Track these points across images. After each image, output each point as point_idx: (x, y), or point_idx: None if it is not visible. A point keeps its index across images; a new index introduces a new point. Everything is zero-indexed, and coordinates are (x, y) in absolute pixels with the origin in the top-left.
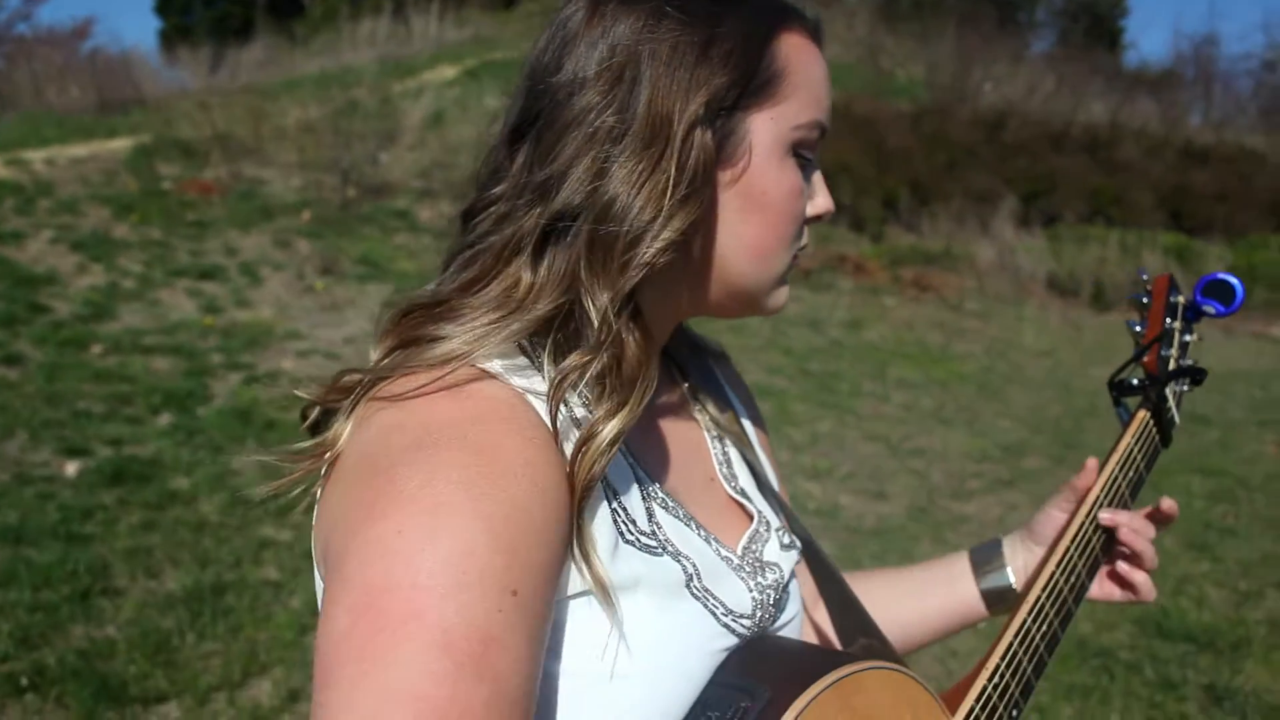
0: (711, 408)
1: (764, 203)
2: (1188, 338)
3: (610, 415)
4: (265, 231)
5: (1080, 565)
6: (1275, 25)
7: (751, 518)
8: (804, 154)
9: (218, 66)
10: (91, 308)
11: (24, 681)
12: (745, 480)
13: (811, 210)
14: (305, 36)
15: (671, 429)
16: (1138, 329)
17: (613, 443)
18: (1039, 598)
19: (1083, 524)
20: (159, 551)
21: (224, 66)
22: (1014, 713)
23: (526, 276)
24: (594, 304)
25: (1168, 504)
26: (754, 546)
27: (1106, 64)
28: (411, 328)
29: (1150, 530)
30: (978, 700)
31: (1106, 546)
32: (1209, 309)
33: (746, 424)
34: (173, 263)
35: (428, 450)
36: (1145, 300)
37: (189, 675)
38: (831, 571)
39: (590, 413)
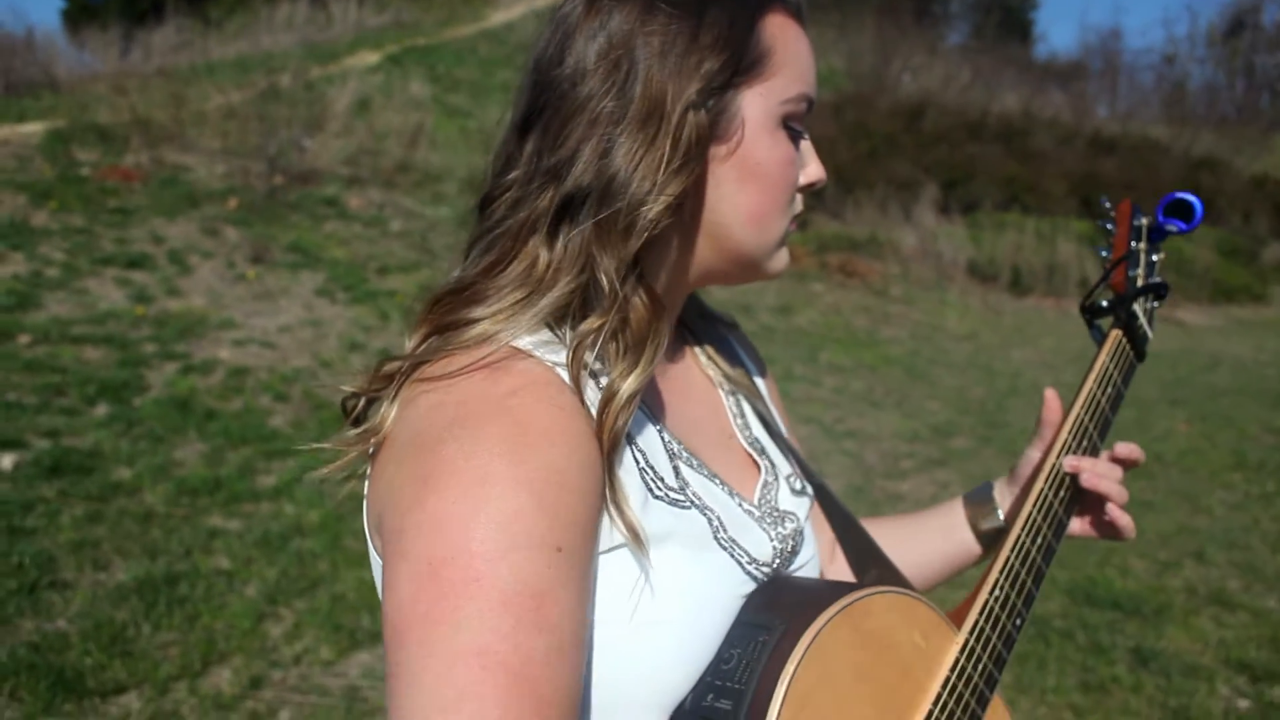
0: (724, 366)
1: (759, 173)
2: (1155, 257)
3: (625, 374)
4: (192, 219)
5: (1063, 491)
6: (1175, 20)
7: (760, 468)
8: (793, 125)
9: (128, 49)
10: (15, 297)
11: None
12: (758, 431)
13: (804, 179)
14: (220, 19)
15: (689, 391)
16: (1104, 254)
17: (630, 399)
18: (1031, 514)
19: (1061, 449)
20: (106, 543)
21: (135, 49)
22: (1017, 621)
23: (544, 255)
24: (602, 271)
25: (1122, 449)
26: (768, 495)
27: (1018, 56)
28: (444, 314)
29: (1114, 472)
30: (981, 612)
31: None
32: (1172, 228)
33: (758, 379)
34: (97, 251)
35: (470, 426)
36: (1110, 227)
37: (147, 665)
38: (843, 512)
39: (609, 375)
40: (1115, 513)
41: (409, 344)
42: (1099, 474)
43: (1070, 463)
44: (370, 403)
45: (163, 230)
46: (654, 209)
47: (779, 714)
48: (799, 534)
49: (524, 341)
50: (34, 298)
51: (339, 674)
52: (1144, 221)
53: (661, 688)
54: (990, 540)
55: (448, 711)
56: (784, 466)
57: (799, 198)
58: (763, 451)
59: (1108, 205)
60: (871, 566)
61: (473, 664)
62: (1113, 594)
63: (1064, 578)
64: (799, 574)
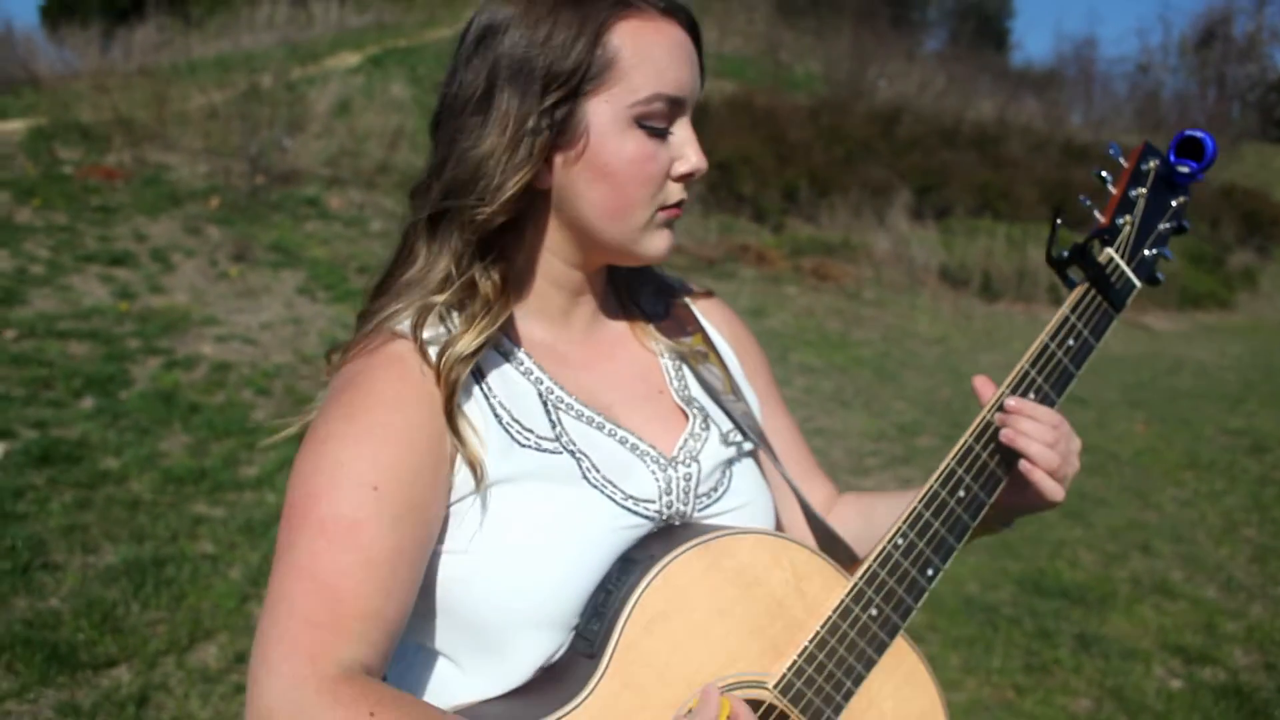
0: (666, 337)
1: (607, 172)
2: (1175, 201)
3: (460, 337)
4: (174, 218)
5: (993, 444)
6: (1148, 31)
7: (688, 419)
8: (649, 124)
9: (109, 47)
10: (1, 293)
11: None
12: (696, 392)
13: (682, 168)
14: (200, 18)
15: (621, 357)
16: (1087, 202)
17: (463, 357)
18: (949, 466)
19: (995, 401)
20: (95, 528)
21: (115, 47)
22: (928, 571)
23: (423, 244)
24: (451, 255)
25: (1046, 415)
26: (691, 443)
27: (994, 63)
28: (364, 308)
29: (1044, 433)
30: (876, 559)
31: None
32: (1184, 168)
33: (726, 350)
34: (81, 248)
35: (333, 397)
36: (1108, 176)
37: (137, 641)
38: (778, 471)
39: (453, 335)
40: (1029, 470)
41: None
42: (1019, 429)
43: (981, 384)
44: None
45: (145, 228)
46: (498, 200)
47: (620, 635)
48: (703, 478)
49: (402, 326)
50: (19, 293)
51: None
52: (1151, 165)
53: (541, 606)
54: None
55: (273, 608)
56: (723, 423)
57: (672, 186)
58: (699, 408)
59: (1116, 152)
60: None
61: (292, 575)
62: (1061, 584)
63: (1015, 568)
64: (723, 519)
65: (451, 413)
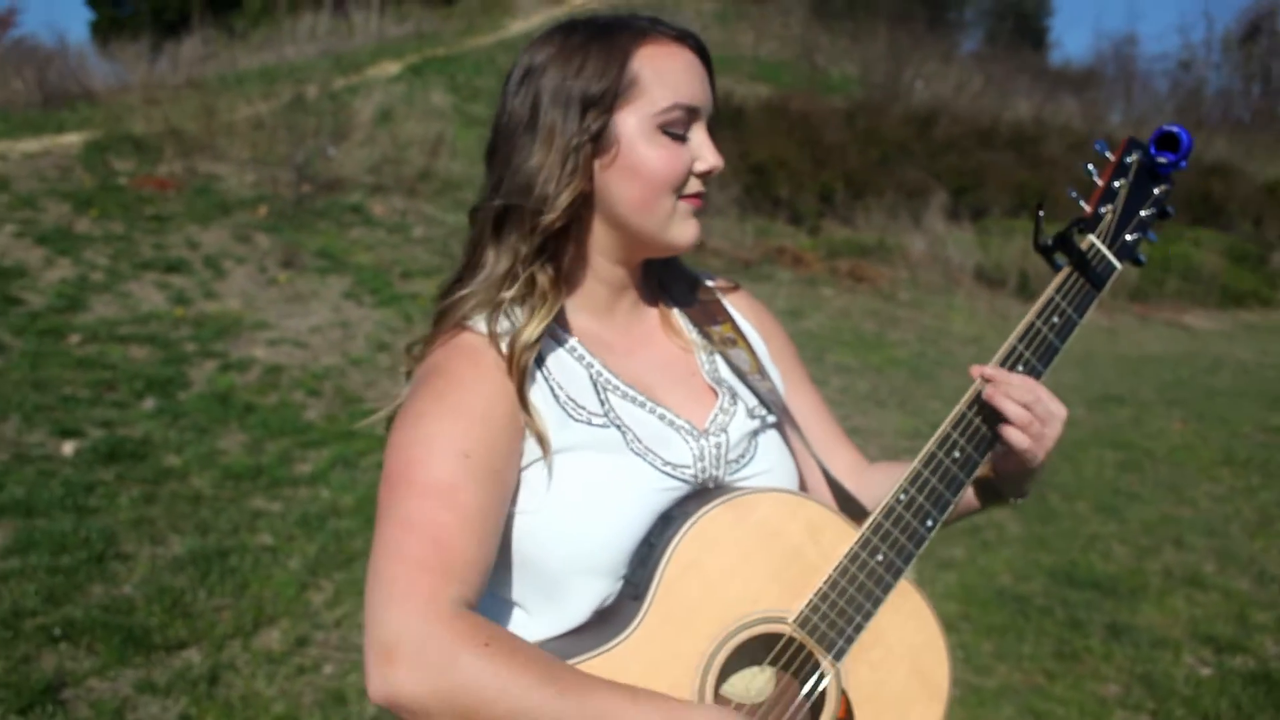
0: (701, 325)
1: (636, 173)
2: (1157, 189)
3: (526, 325)
4: (224, 226)
5: (985, 409)
6: (1190, 27)
7: (718, 396)
8: (670, 130)
9: (156, 60)
10: (64, 300)
11: (56, 632)
12: (725, 373)
13: (700, 167)
14: (244, 31)
15: (658, 344)
16: (1074, 195)
17: (528, 345)
18: (947, 430)
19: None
20: (161, 521)
21: (163, 60)
22: (928, 523)
23: (491, 254)
24: (517, 256)
25: (1026, 386)
26: (720, 417)
27: (1032, 62)
28: (437, 308)
29: (1024, 393)
30: (882, 512)
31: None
32: (1162, 159)
33: (753, 336)
34: (137, 256)
35: (421, 382)
36: (1094, 170)
37: (205, 625)
38: (800, 440)
39: (510, 336)
40: (1007, 430)
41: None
42: (1000, 392)
43: (975, 369)
44: (408, 376)
45: (197, 236)
46: (557, 209)
47: (660, 578)
48: (732, 447)
49: (475, 320)
50: (82, 300)
51: None
52: (1134, 158)
53: (595, 556)
54: (987, 493)
55: (387, 559)
56: (749, 399)
57: (694, 181)
58: (727, 387)
59: (1104, 148)
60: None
61: (400, 527)
62: (1093, 575)
63: (1048, 561)
64: (750, 481)
65: (523, 392)
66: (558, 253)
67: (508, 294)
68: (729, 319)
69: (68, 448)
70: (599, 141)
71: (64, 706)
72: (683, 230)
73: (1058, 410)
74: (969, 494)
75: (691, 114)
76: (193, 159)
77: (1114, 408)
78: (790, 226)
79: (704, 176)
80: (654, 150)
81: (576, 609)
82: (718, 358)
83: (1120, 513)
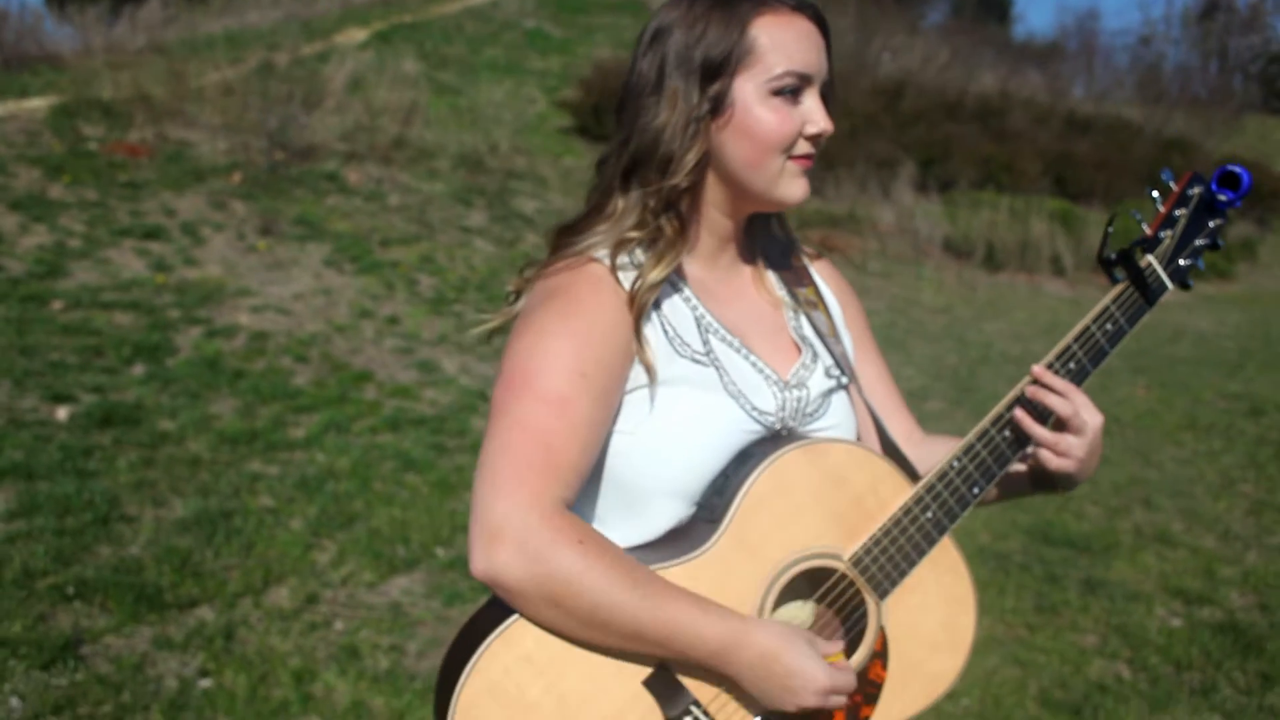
0: (792, 287)
1: (750, 133)
2: (1211, 223)
3: (651, 268)
4: (199, 193)
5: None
6: (1150, 3)
7: (801, 353)
8: (784, 92)
9: (114, 23)
10: (44, 266)
11: (70, 590)
12: (808, 332)
13: (810, 130)
14: None
15: (751, 296)
16: (1138, 216)
17: (654, 284)
18: (1001, 411)
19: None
20: (162, 484)
21: (121, 23)
22: (974, 489)
23: (621, 202)
24: (646, 207)
25: (1066, 403)
26: (802, 372)
27: (996, 36)
28: (560, 238)
29: (1067, 405)
30: (939, 477)
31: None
32: (1222, 196)
33: (832, 302)
34: (115, 223)
35: (546, 300)
36: (1157, 196)
37: (216, 584)
38: (865, 403)
39: (643, 266)
40: (1037, 451)
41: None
42: (1040, 393)
43: (1036, 370)
44: (516, 296)
45: (173, 203)
46: (684, 168)
47: (738, 507)
48: (811, 401)
49: (599, 253)
50: (61, 267)
51: (382, 593)
52: (1196, 191)
53: (679, 479)
54: (1039, 480)
55: (499, 450)
56: (826, 359)
57: (804, 143)
58: (809, 344)
59: (1170, 177)
60: (886, 443)
61: (515, 427)
62: (1068, 534)
63: (1025, 520)
64: (818, 432)
65: (639, 325)
66: (679, 204)
67: (635, 234)
68: (813, 283)
69: (61, 413)
70: (718, 105)
71: (84, 662)
72: (791, 188)
73: (1093, 420)
74: (1022, 476)
75: (804, 80)
76: (163, 125)
77: None
78: None
79: (814, 139)
80: (767, 113)
81: (652, 526)
82: (802, 317)
83: (1091, 476)
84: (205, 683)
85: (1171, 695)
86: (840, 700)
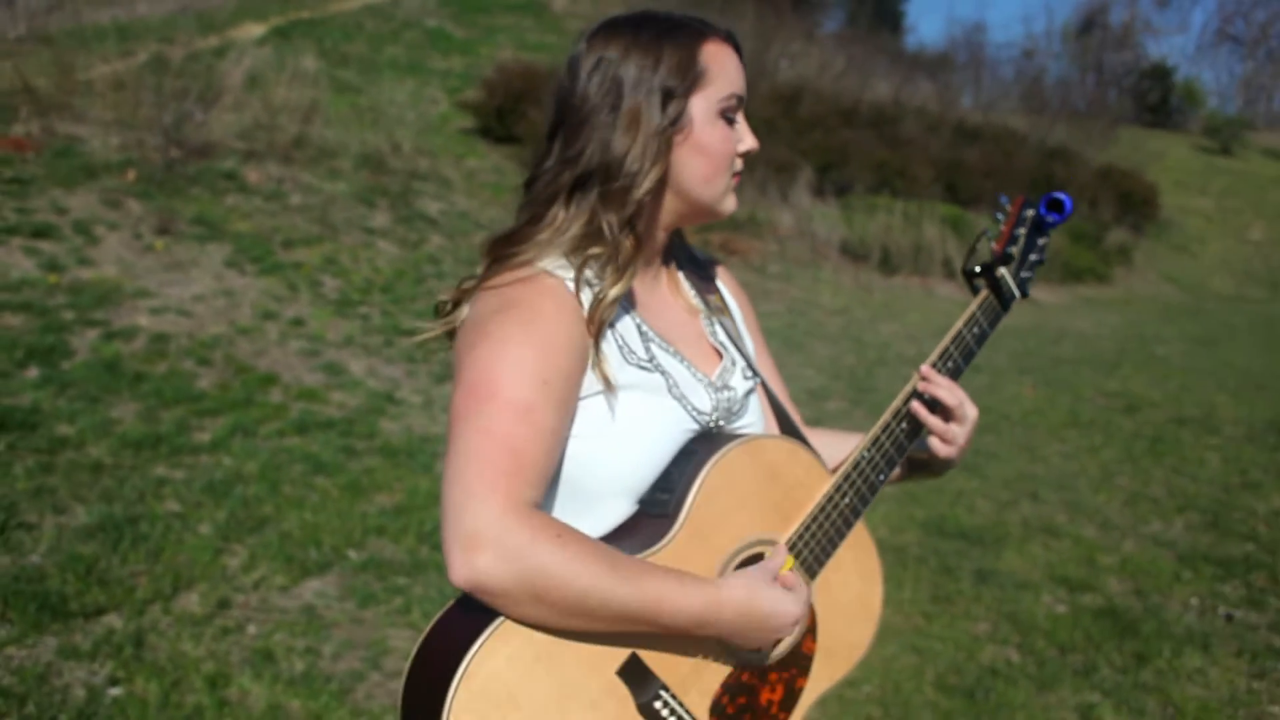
0: (703, 295)
1: (705, 150)
2: (1040, 240)
3: (611, 285)
4: (91, 190)
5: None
6: (1034, 18)
7: (722, 357)
8: (728, 116)
9: None
10: None
11: None
12: (723, 338)
13: (742, 148)
14: None
15: (673, 307)
16: (987, 234)
17: (614, 300)
18: (898, 406)
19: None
20: (62, 490)
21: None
22: (880, 476)
23: (562, 214)
24: (605, 223)
25: (948, 397)
26: (724, 375)
27: (890, 45)
28: (500, 249)
29: (951, 395)
30: (854, 466)
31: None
32: (1050, 218)
33: (734, 307)
34: (0, 220)
35: (503, 311)
36: (1000, 217)
37: (122, 591)
38: (776, 402)
39: (600, 286)
40: (931, 440)
41: (480, 269)
42: (930, 388)
43: (924, 369)
44: (456, 304)
45: (63, 201)
46: (646, 184)
47: (694, 499)
48: (738, 401)
49: (547, 264)
50: None
51: (295, 596)
52: (1030, 213)
53: (627, 480)
54: (915, 467)
55: (467, 458)
56: (740, 362)
57: (738, 160)
58: (726, 349)
59: (1005, 201)
60: (788, 434)
61: (480, 436)
62: (961, 527)
63: (920, 515)
64: (741, 429)
65: (599, 338)
66: (636, 221)
67: (593, 251)
68: (718, 290)
69: None
70: (676, 122)
71: None
72: (730, 201)
73: (972, 412)
74: (908, 462)
75: (740, 102)
76: (50, 119)
77: (971, 374)
78: None
79: (744, 156)
80: (717, 132)
81: (601, 523)
82: (716, 323)
83: (982, 470)
84: (115, 691)
85: (1056, 676)
86: (807, 611)
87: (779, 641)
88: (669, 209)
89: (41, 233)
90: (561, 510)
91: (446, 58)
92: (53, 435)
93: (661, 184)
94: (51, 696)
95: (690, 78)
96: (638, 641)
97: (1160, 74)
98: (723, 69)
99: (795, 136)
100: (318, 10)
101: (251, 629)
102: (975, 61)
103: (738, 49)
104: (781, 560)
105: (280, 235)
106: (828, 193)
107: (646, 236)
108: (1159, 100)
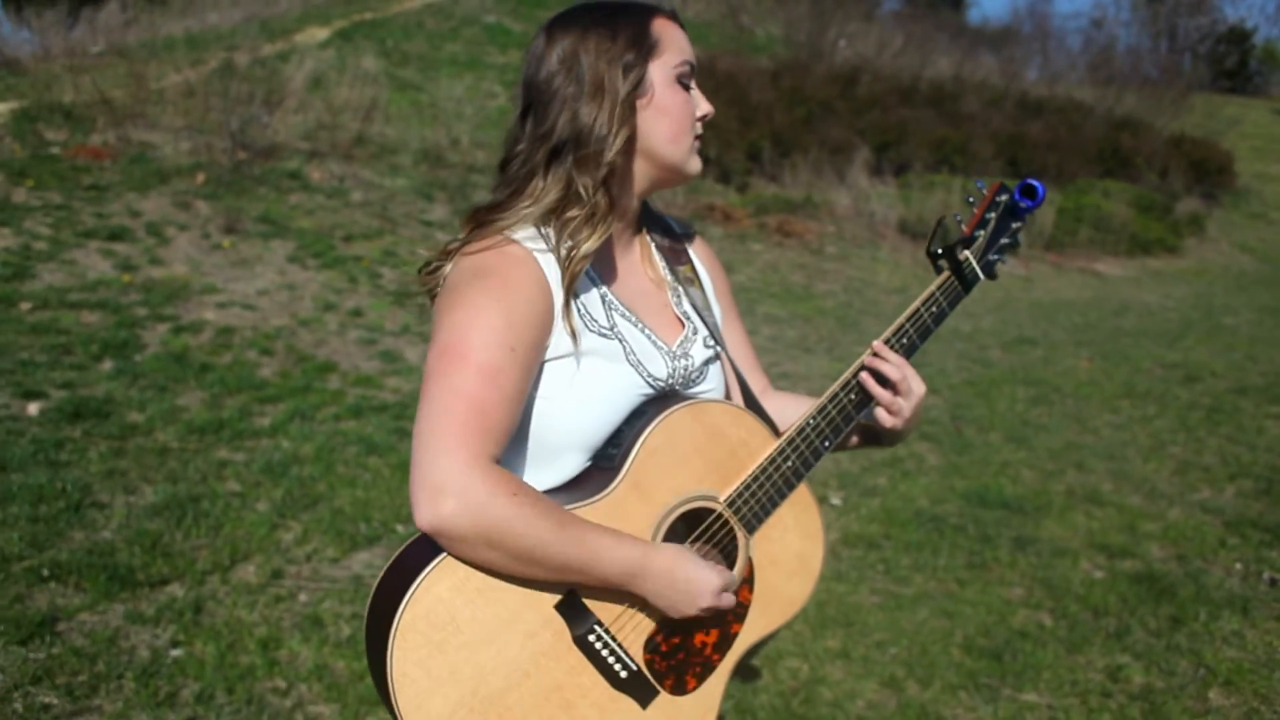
0: (673, 266)
1: (666, 111)
2: (1014, 224)
3: (586, 238)
4: (163, 194)
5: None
6: None
7: (684, 326)
8: (684, 81)
9: (74, 26)
10: (10, 269)
11: (45, 573)
12: (687, 307)
13: (700, 112)
14: None
15: (641, 277)
16: (957, 218)
17: (586, 255)
18: (848, 377)
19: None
20: (132, 472)
21: (79, 26)
22: (825, 443)
23: (541, 184)
24: (582, 187)
25: (896, 373)
26: (685, 343)
27: (951, 22)
28: (479, 218)
29: (896, 370)
30: (798, 432)
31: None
32: (1023, 204)
33: (705, 277)
34: (79, 225)
35: (477, 278)
36: (973, 201)
37: (184, 563)
38: (738, 371)
39: (574, 243)
40: (877, 411)
41: (461, 235)
42: (876, 362)
43: (876, 345)
44: (436, 267)
45: (137, 205)
46: (616, 145)
47: (635, 455)
48: (695, 368)
49: (518, 235)
50: (28, 269)
51: (344, 568)
52: (1003, 198)
53: (583, 437)
54: (868, 436)
55: (438, 414)
56: (703, 331)
57: (697, 124)
58: (689, 319)
59: (981, 185)
60: (749, 400)
61: (451, 395)
62: (1003, 497)
63: (962, 485)
64: (697, 394)
65: (569, 296)
66: (610, 182)
67: (570, 214)
68: (689, 261)
69: (32, 408)
70: (638, 87)
71: (60, 637)
72: (695, 162)
73: (918, 388)
74: (858, 431)
75: (691, 70)
76: (125, 128)
77: (1027, 349)
78: (720, 184)
79: (702, 120)
80: (676, 95)
81: (560, 474)
82: (682, 294)
83: (1029, 441)
84: (176, 652)
85: (1087, 639)
86: (730, 599)
87: (703, 609)
88: (640, 173)
89: (117, 235)
90: (529, 461)
91: (504, 52)
92: (124, 422)
93: (630, 147)
94: (119, 657)
95: (646, 47)
96: (577, 582)
97: (1238, 37)
98: (673, 39)
99: (852, 117)
100: (380, 11)
101: (303, 597)
102: (1041, 33)
103: (682, 26)
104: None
105: (341, 230)
106: (886, 172)
107: (620, 199)
108: (1237, 64)
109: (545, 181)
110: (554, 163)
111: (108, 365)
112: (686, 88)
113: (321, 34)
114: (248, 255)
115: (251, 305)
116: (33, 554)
